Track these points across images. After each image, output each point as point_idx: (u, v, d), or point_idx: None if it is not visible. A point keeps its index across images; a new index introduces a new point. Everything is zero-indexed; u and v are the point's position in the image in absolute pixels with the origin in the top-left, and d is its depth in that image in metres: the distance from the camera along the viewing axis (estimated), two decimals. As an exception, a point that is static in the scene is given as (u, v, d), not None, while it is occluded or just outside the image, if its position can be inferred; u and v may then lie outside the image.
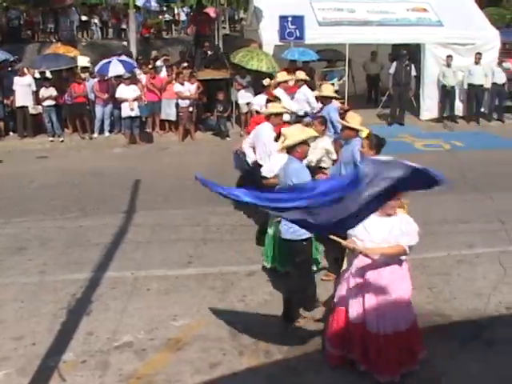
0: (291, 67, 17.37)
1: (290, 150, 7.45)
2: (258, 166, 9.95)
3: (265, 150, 9.92)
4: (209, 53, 20.91)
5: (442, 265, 9.48)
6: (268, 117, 10.12)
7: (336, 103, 12.17)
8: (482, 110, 20.20)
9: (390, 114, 19.30)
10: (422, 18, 20.08)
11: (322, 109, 12.00)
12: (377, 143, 7.81)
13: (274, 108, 10.25)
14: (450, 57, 19.17)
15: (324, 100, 11.86)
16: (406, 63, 19.21)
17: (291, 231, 7.42)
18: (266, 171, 9.15)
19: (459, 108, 20.10)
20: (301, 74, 14.42)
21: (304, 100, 13.96)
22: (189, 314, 8.03)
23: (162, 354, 7.21)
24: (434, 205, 10.84)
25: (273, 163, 8.92)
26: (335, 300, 6.87)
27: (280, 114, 10.16)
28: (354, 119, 8.93)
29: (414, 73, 19.36)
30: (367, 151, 7.76)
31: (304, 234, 7.32)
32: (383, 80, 21.08)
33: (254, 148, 10.39)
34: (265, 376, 6.86)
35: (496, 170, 13.68)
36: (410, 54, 19.60)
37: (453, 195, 11.25)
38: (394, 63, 19.39)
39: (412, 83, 19.53)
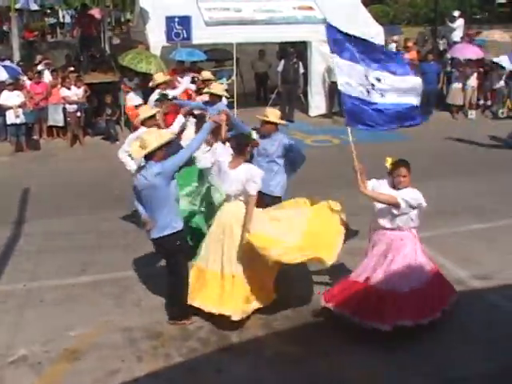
0: (179, 68, 17.32)
1: (148, 155, 7.37)
2: None
3: None
4: (96, 55, 20.61)
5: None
6: (143, 122, 10.07)
7: (225, 101, 12.27)
8: (369, 104, 20.66)
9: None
10: (308, 16, 20.34)
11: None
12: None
13: (145, 112, 10.21)
14: (338, 54, 19.47)
15: (214, 98, 11.91)
16: (294, 61, 19.47)
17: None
18: None
19: (346, 103, 20.45)
20: (206, 74, 14.49)
21: None
22: (85, 323, 7.86)
23: (59, 365, 7.05)
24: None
25: None
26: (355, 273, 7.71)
27: (153, 117, 10.13)
28: (272, 114, 9.26)
29: (301, 70, 19.65)
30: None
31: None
32: (271, 78, 21.29)
33: None
34: (166, 380, 6.83)
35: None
36: (297, 51, 19.87)
37: (343, 189, 11.45)
38: (282, 61, 19.62)
39: (300, 80, 19.81)
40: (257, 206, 7.84)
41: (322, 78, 20.08)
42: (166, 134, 7.70)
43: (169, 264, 7.83)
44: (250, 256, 7.59)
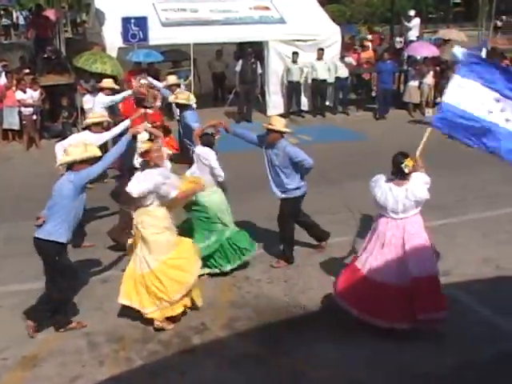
0: (136, 69, 17.20)
1: (70, 165, 7.42)
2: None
3: None
4: (51, 57, 20.32)
5: (296, 257, 9.66)
6: (89, 127, 9.99)
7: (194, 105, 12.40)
8: (327, 103, 20.79)
9: (238, 112, 19.45)
10: (265, 16, 20.37)
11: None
12: None
13: (92, 118, 10.20)
14: (295, 53, 19.58)
15: (181, 107, 11.97)
16: (252, 61, 19.46)
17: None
18: None
19: (305, 103, 20.59)
20: (172, 79, 14.52)
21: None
22: (44, 328, 7.74)
23: (17, 373, 6.94)
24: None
25: None
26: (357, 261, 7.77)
27: (100, 123, 10.09)
28: (278, 122, 9.07)
29: (259, 70, 19.66)
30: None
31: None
32: (229, 78, 21.26)
33: None
34: (127, 384, 6.76)
35: (343, 160, 14.17)
36: (255, 51, 19.87)
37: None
38: (240, 61, 19.58)
39: (258, 80, 19.83)
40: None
41: (280, 77, 20.10)
42: (92, 150, 7.57)
43: (46, 271, 7.79)
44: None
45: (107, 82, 13.36)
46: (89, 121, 10.18)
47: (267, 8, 20.67)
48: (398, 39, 26.06)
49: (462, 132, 8.19)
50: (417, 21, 27.03)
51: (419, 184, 7.48)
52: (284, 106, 20.43)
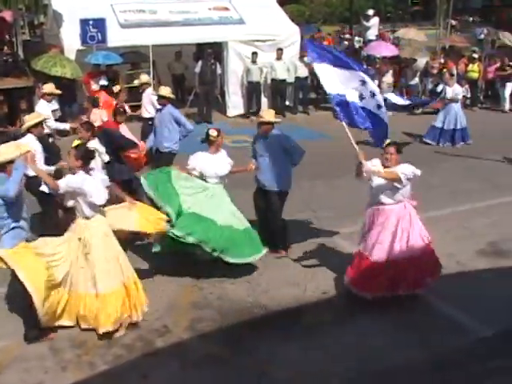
0: (95, 71, 17.11)
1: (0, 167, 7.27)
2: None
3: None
4: (8, 60, 20.09)
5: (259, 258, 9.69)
6: (29, 129, 9.86)
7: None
8: (287, 103, 20.88)
9: (198, 113, 19.42)
10: (224, 17, 20.38)
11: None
12: (83, 155, 7.66)
13: (31, 119, 9.98)
14: (255, 53, 19.62)
15: (163, 101, 11.89)
16: (211, 62, 19.45)
17: None
18: None
19: (265, 103, 20.61)
20: (144, 78, 14.61)
21: (148, 102, 14.29)
22: (5, 336, 7.66)
23: (-22, 381, 6.89)
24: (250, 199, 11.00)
25: None
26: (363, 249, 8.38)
27: (39, 124, 9.91)
28: (268, 114, 9.62)
29: (219, 71, 19.66)
30: (72, 162, 7.65)
31: None
32: (188, 79, 21.20)
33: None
34: (91, 389, 6.75)
35: (303, 160, 14.24)
36: (214, 52, 19.86)
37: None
38: (199, 62, 19.55)
39: (218, 81, 19.82)
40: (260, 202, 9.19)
41: (240, 78, 20.14)
42: (24, 148, 7.46)
43: None
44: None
45: (48, 87, 13.09)
46: (25, 126, 9.95)
47: (226, 9, 20.69)
48: (356, 39, 26.32)
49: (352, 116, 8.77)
50: (375, 20, 27.33)
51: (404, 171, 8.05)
52: (244, 106, 20.51)
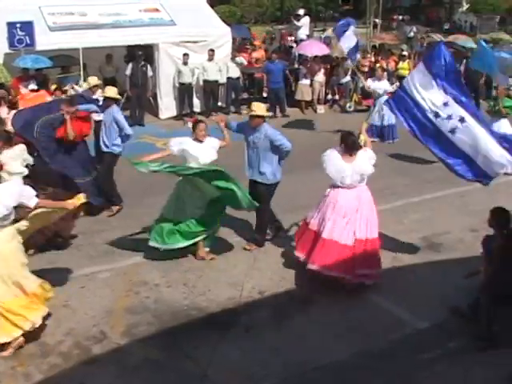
0: (24, 75, 16.77)
1: None
2: None
3: None
4: None
5: (193, 259, 9.73)
6: None
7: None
8: (220, 104, 20.87)
9: (130, 116, 19.20)
10: (155, 19, 20.20)
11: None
12: None
13: None
14: (186, 55, 19.52)
15: (108, 102, 11.73)
16: (142, 64, 19.30)
17: None
18: None
19: (197, 104, 20.58)
20: (93, 80, 14.45)
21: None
22: None
23: None
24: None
25: None
26: (311, 222, 8.88)
27: None
28: (259, 108, 9.82)
29: (150, 73, 19.49)
30: None
31: None
32: (120, 82, 20.91)
33: None
34: (27, 400, 6.62)
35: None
36: (145, 54, 19.71)
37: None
38: (130, 65, 19.37)
39: (149, 83, 19.66)
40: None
41: (171, 79, 20.02)
42: None
43: None
44: None
45: None
46: None
47: (157, 10, 20.52)
48: (288, 38, 26.46)
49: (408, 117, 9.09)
50: (306, 19, 27.51)
51: (365, 159, 8.67)
52: (176, 108, 20.38)
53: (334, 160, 8.66)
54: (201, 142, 9.51)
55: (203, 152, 9.41)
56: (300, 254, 8.96)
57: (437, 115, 8.78)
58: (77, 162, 11.32)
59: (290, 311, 8.29)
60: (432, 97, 8.83)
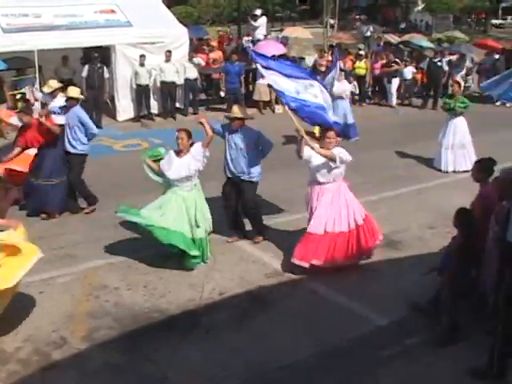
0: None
1: None
2: None
3: None
4: None
5: (153, 261, 9.69)
6: None
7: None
8: (177, 105, 20.81)
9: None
10: (111, 20, 20.09)
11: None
12: None
13: None
14: (142, 56, 19.45)
15: (71, 102, 11.64)
16: (99, 66, 19.18)
17: None
18: None
19: (155, 106, 20.54)
20: (54, 83, 14.34)
21: None
22: None
23: None
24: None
25: None
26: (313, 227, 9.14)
27: None
28: (240, 111, 10.26)
29: (106, 75, 19.39)
30: None
31: None
32: (76, 84, 20.80)
33: None
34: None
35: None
36: (102, 56, 19.57)
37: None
38: (86, 66, 19.26)
39: (106, 85, 19.54)
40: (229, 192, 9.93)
41: (129, 81, 19.91)
42: None
43: None
44: None
45: None
46: None
47: (113, 11, 20.39)
48: (245, 38, 26.48)
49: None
50: (263, 20, 27.57)
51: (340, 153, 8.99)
52: (134, 109, 20.31)
53: (313, 155, 9.08)
54: (179, 156, 9.45)
55: (177, 168, 9.36)
56: (303, 262, 9.17)
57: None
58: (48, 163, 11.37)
59: (250, 311, 8.31)
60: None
